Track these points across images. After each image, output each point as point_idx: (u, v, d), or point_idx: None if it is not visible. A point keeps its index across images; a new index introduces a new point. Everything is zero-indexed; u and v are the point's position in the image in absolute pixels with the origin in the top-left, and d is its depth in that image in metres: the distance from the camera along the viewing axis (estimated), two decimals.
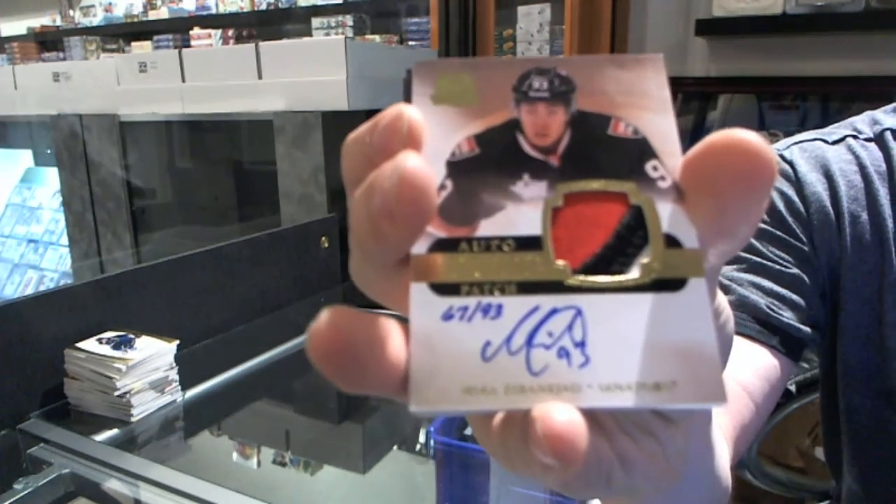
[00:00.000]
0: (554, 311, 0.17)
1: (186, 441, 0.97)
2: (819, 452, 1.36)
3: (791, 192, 0.58)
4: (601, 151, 0.18)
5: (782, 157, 0.60)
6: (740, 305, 0.54)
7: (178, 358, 1.00)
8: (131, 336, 0.98)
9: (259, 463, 0.94)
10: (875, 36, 1.51)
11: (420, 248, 0.17)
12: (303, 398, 1.18)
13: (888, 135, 0.59)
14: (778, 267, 0.56)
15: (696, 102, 1.86)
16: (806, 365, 0.90)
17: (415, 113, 0.17)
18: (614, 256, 0.17)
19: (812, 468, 1.34)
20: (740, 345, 0.53)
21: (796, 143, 0.62)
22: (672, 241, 0.17)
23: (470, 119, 0.19)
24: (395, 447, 0.95)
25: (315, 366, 0.17)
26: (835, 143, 0.60)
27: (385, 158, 0.17)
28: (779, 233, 0.57)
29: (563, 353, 0.17)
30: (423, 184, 0.16)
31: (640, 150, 0.18)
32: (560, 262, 0.17)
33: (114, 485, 0.80)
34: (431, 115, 0.18)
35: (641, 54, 0.19)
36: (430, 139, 0.18)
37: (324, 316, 0.17)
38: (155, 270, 1.15)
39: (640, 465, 0.20)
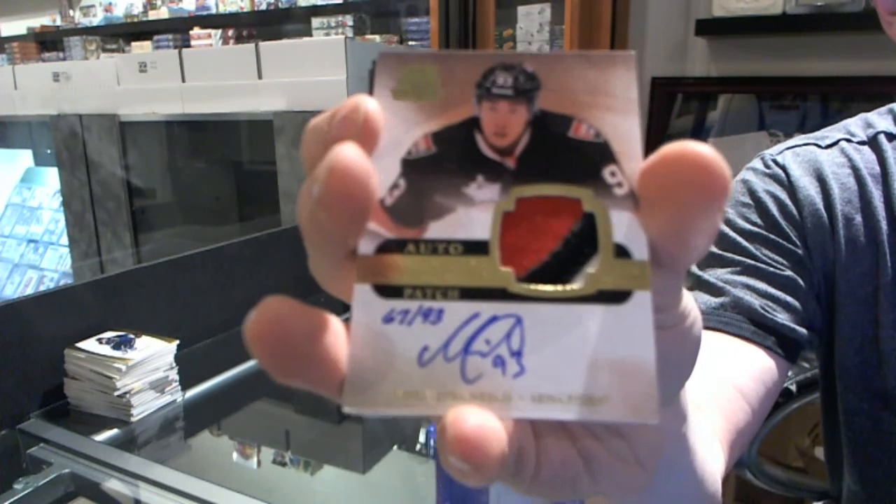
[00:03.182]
0: (494, 319, 0.17)
1: (186, 441, 0.97)
2: (819, 452, 1.36)
3: (784, 196, 0.58)
4: (559, 154, 0.18)
5: (775, 161, 0.61)
6: (734, 307, 0.54)
7: (178, 358, 1.00)
8: (131, 336, 0.98)
9: (259, 463, 0.94)
10: (875, 36, 1.51)
11: (367, 247, 0.17)
12: (303, 398, 1.17)
13: (882, 138, 0.59)
14: (772, 269, 0.56)
15: (696, 102, 1.86)
16: (806, 364, 0.90)
17: (372, 105, 0.17)
18: (561, 265, 0.17)
19: (812, 468, 1.34)
20: (735, 347, 0.53)
21: (789, 147, 0.62)
22: (622, 252, 0.17)
23: (430, 115, 0.18)
24: (395, 447, 0.95)
25: (251, 352, 0.17)
26: (828, 147, 0.60)
27: None
28: (772, 236, 0.57)
29: (499, 362, 0.16)
30: (356, 174, 0.16)
31: (599, 154, 0.18)
32: (505, 269, 0.17)
33: (114, 485, 0.80)
34: (391, 109, 0.18)
35: (613, 51, 0.18)
36: (387, 135, 0.18)
37: (264, 304, 0.17)
38: (155, 270, 1.15)
39: (606, 468, 0.20)
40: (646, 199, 0.17)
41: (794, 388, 0.90)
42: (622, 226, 0.17)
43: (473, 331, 0.17)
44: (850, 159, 0.59)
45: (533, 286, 0.17)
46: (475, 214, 0.17)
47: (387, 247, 0.17)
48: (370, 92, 0.18)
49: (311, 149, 0.18)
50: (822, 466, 0.71)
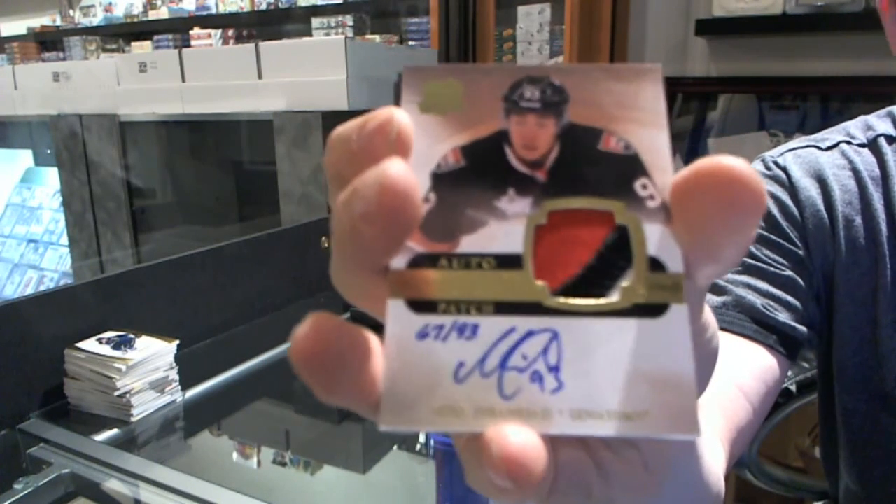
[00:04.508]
0: (530, 334, 0.17)
1: (186, 441, 0.97)
2: (819, 452, 1.36)
3: (785, 197, 0.59)
4: (590, 167, 0.18)
5: (776, 163, 0.61)
6: (737, 305, 0.55)
7: (178, 358, 1.00)
8: (131, 336, 0.98)
9: (259, 463, 0.94)
10: (875, 36, 1.51)
11: (399, 262, 0.17)
12: (303, 398, 1.17)
13: (881, 140, 0.59)
14: (773, 269, 0.56)
15: (696, 102, 1.86)
16: (806, 364, 0.90)
17: (405, 118, 0.17)
18: (596, 278, 0.17)
19: (812, 468, 1.34)
20: (738, 345, 0.53)
21: (790, 150, 0.62)
22: (656, 265, 0.17)
23: (458, 129, 0.18)
24: (395, 447, 0.95)
25: (295, 370, 0.17)
26: (828, 149, 0.61)
27: (370, 160, 0.16)
28: (773, 236, 0.58)
29: (537, 377, 0.16)
30: (406, 192, 0.16)
31: (630, 167, 0.18)
32: (539, 283, 0.17)
33: (114, 485, 0.80)
34: (418, 123, 0.18)
35: (639, 64, 0.18)
36: (415, 149, 0.17)
37: (308, 321, 0.16)
38: (155, 270, 1.15)
39: (619, 476, 0.20)
40: (678, 212, 0.17)
41: (793, 388, 0.90)
42: (655, 238, 0.17)
43: (510, 346, 0.17)
44: (850, 161, 0.59)
45: (568, 300, 0.17)
46: (508, 228, 0.17)
47: (419, 261, 0.17)
48: (397, 104, 0.18)
49: (339, 158, 0.17)
50: (822, 466, 0.71)
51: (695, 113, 1.85)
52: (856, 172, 0.58)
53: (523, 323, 0.17)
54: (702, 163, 0.17)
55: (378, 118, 0.17)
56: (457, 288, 0.17)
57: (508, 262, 0.17)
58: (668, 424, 0.16)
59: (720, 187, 0.16)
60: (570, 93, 0.18)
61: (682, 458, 0.27)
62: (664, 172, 0.18)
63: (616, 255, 0.17)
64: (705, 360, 0.22)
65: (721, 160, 0.16)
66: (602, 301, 0.17)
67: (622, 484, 0.20)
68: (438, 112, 0.18)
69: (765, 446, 0.97)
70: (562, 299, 0.17)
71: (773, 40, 1.74)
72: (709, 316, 0.21)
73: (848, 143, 0.61)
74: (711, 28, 1.72)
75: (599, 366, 0.16)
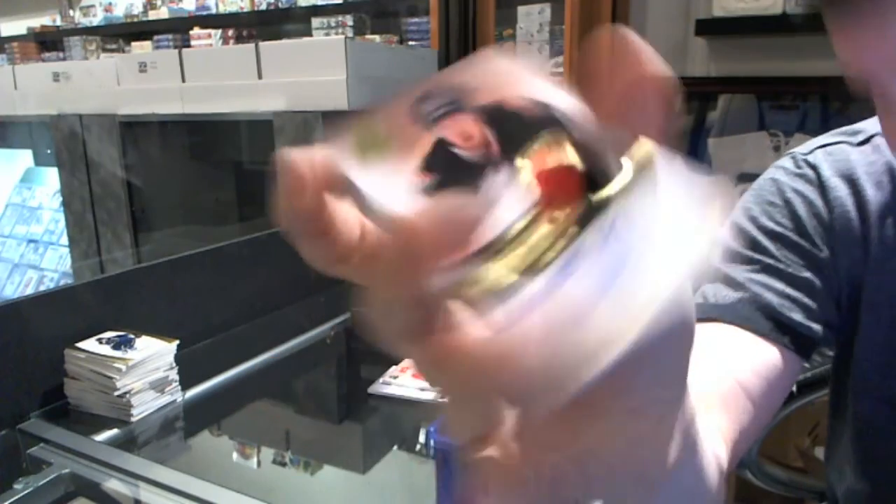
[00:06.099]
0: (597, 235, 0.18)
1: (186, 441, 0.97)
2: (819, 452, 1.36)
3: (814, 196, 0.58)
4: (523, 125, 0.19)
5: (806, 161, 0.60)
6: (752, 302, 0.55)
7: (178, 358, 1.00)
8: (131, 336, 0.98)
9: (259, 463, 0.94)
10: None
11: (443, 282, 0.18)
12: (303, 398, 1.17)
13: None
14: (790, 270, 0.56)
15: (696, 102, 1.85)
16: (807, 365, 0.90)
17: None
18: (597, 177, 0.19)
19: (812, 468, 1.34)
20: (749, 343, 0.53)
21: (821, 146, 0.61)
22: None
23: (402, 159, 0.19)
24: (395, 447, 0.95)
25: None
26: (860, 144, 0.59)
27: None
28: (795, 238, 0.57)
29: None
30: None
31: (547, 110, 0.19)
32: (563, 210, 0.18)
33: (114, 485, 0.80)
34: (366, 171, 0.19)
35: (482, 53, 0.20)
36: (379, 191, 0.18)
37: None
38: (155, 270, 1.16)
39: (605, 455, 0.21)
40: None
41: (794, 388, 0.89)
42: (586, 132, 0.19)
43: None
44: (884, 156, 0.58)
45: (599, 193, 0.18)
46: (505, 203, 0.18)
47: (460, 272, 0.18)
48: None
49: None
50: (822, 466, 0.71)
51: (695, 113, 1.85)
52: (890, 168, 0.57)
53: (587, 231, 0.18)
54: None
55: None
56: (513, 264, 0.18)
57: (527, 224, 0.18)
58: None
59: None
60: (461, 88, 0.19)
61: (680, 453, 0.27)
62: (564, 99, 0.19)
63: (597, 156, 0.19)
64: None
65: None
66: (618, 181, 0.18)
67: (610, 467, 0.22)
68: (375, 157, 0.19)
69: (765, 446, 0.98)
70: (595, 195, 0.18)
71: (773, 40, 1.73)
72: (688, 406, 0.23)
73: (881, 135, 0.59)
74: (711, 28, 1.72)
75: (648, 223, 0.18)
